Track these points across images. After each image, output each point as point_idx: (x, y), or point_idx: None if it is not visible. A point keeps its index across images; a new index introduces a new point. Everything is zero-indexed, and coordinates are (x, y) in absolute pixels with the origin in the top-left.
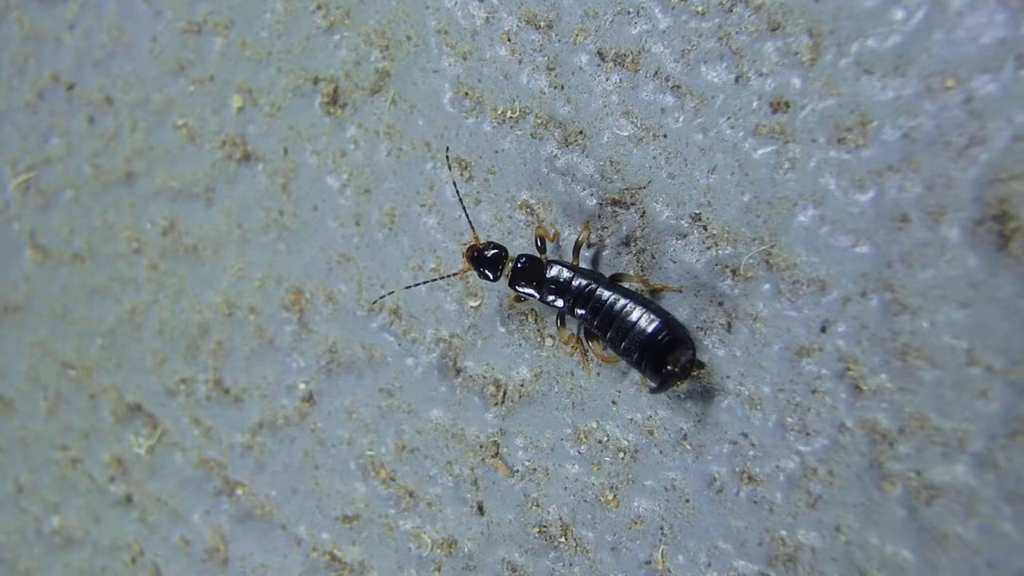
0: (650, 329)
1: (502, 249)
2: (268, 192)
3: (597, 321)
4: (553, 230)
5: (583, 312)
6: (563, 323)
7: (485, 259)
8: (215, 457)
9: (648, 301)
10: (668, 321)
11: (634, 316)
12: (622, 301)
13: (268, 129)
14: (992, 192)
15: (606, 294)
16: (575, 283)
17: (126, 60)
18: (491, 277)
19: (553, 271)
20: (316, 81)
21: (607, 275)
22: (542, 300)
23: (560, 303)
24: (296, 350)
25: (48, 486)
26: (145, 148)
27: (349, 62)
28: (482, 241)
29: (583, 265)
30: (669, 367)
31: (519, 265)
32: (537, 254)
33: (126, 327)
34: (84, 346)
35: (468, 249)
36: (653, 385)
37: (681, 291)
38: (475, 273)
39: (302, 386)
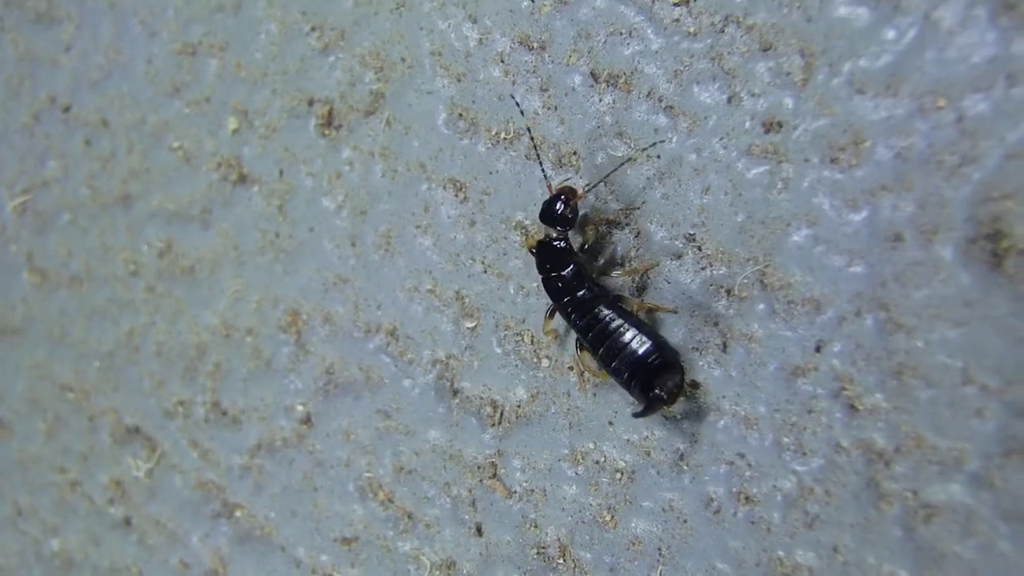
0: (641, 351)
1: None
2: (264, 214)
3: (591, 335)
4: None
5: (578, 321)
6: (552, 316)
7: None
8: (213, 479)
9: (642, 323)
10: (660, 344)
11: (627, 336)
12: (618, 320)
13: (263, 151)
14: (985, 211)
15: (605, 311)
16: (581, 291)
17: (122, 82)
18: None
19: (571, 269)
20: (311, 103)
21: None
22: (546, 286)
23: (561, 298)
24: (293, 371)
25: (47, 509)
26: (141, 170)
27: (344, 84)
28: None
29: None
30: (656, 391)
31: (551, 242)
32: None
33: (124, 349)
34: (82, 368)
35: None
36: (638, 409)
37: (676, 311)
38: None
39: (300, 408)
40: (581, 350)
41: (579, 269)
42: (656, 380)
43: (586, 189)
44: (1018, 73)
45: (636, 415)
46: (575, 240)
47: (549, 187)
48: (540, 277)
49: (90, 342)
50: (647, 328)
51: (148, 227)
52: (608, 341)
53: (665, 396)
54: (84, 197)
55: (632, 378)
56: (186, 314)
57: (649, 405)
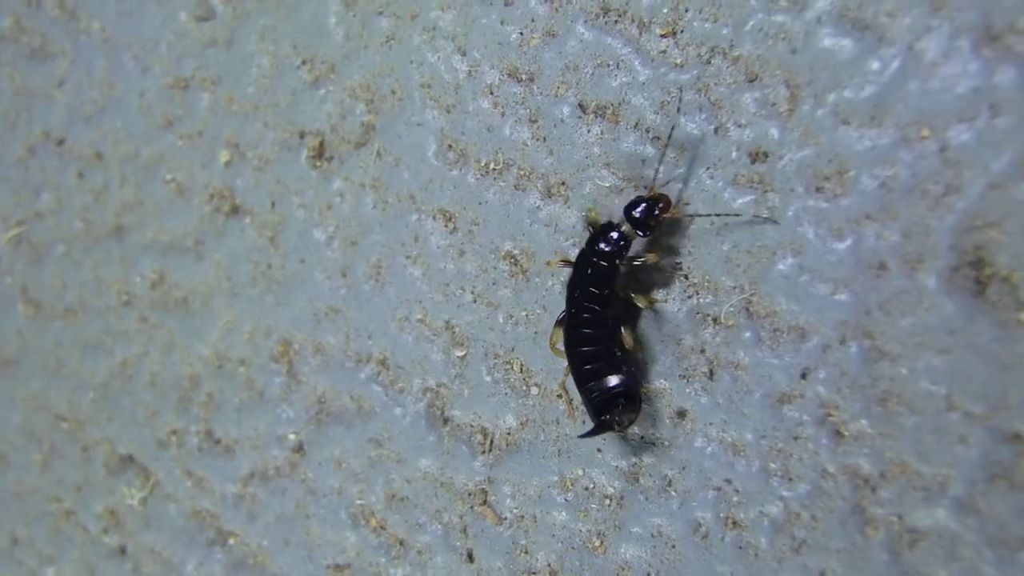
0: (611, 380)
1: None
2: (256, 245)
3: (576, 335)
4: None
5: (575, 317)
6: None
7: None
8: (207, 508)
9: (623, 349)
10: (629, 377)
11: (604, 357)
12: (605, 337)
13: (256, 183)
14: (968, 239)
15: (600, 321)
16: (601, 291)
17: (115, 115)
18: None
19: (610, 267)
20: (302, 135)
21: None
22: (578, 263)
23: (580, 287)
24: (286, 401)
25: (43, 538)
26: (135, 202)
27: (335, 116)
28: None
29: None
30: (610, 418)
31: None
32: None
33: (118, 380)
34: (77, 399)
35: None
36: (586, 431)
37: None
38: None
39: (292, 436)
40: (557, 328)
41: (614, 271)
42: (613, 409)
43: (683, 212)
44: (1001, 103)
45: (581, 436)
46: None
47: (652, 187)
48: (580, 251)
49: (84, 373)
50: (625, 356)
51: (141, 259)
52: (587, 350)
53: (615, 426)
54: (78, 229)
55: (592, 395)
56: (179, 345)
57: (597, 427)
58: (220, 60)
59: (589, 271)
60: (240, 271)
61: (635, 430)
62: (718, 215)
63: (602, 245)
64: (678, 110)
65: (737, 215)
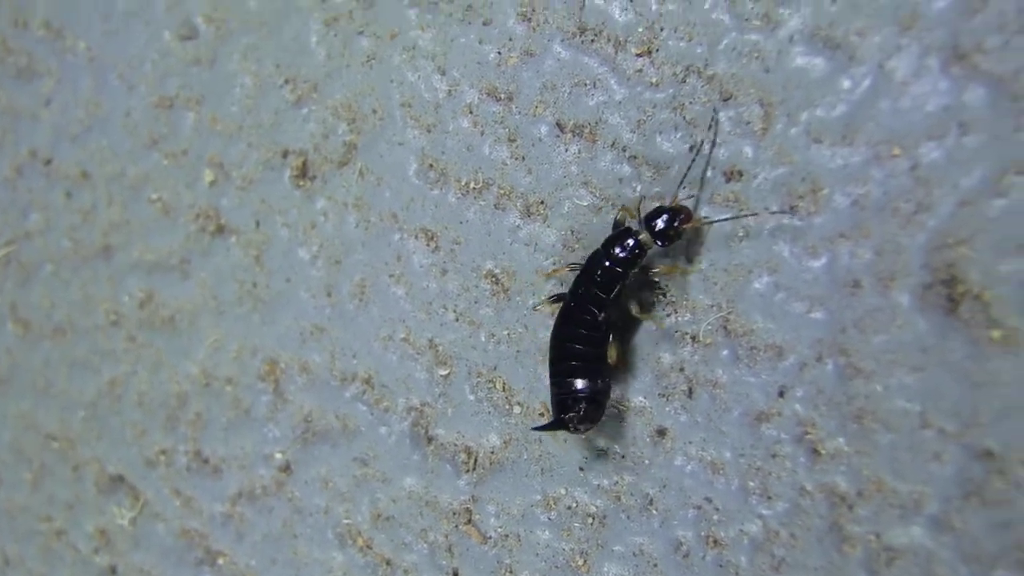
0: (580, 382)
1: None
2: (242, 264)
3: (565, 327)
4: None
5: (571, 307)
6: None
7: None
8: (196, 527)
9: (605, 357)
10: (600, 385)
11: (584, 358)
12: (593, 338)
13: (240, 202)
14: (940, 257)
15: (593, 323)
16: (607, 292)
17: (101, 135)
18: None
19: (621, 271)
20: (285, 154)
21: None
22: (591, 260)
23: (586, 282)
24: (272, 420)
25: (34, 558)
26: (121, 222)
27: (317, 135)
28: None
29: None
30: (567, 418)
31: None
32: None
33: (106, 399)
34: (66, 418)
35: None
36: (543, 422)
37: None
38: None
39: (279, 456)
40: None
41: (623, 278)
42: (574, 411)
43: (703, 222)
44: (970, 122)
45: (534, 427)
46: (650, 258)
47: (674, 198)
48: (596, 248)
49: (73, 392)
50: (604, 366)
51: (129, 278)
52: (571, 348)
53: (571, 428)
54: (66, 249)
55: (558, 391)
56: (167, 364)
57: (552, 424)
58: (204, 79)
59: (599, 273)
60: (226, 290)
61: (616, 448)
62: (735, 217)
63: (617, 250)
64: (710, 127)
65: (754, 214)
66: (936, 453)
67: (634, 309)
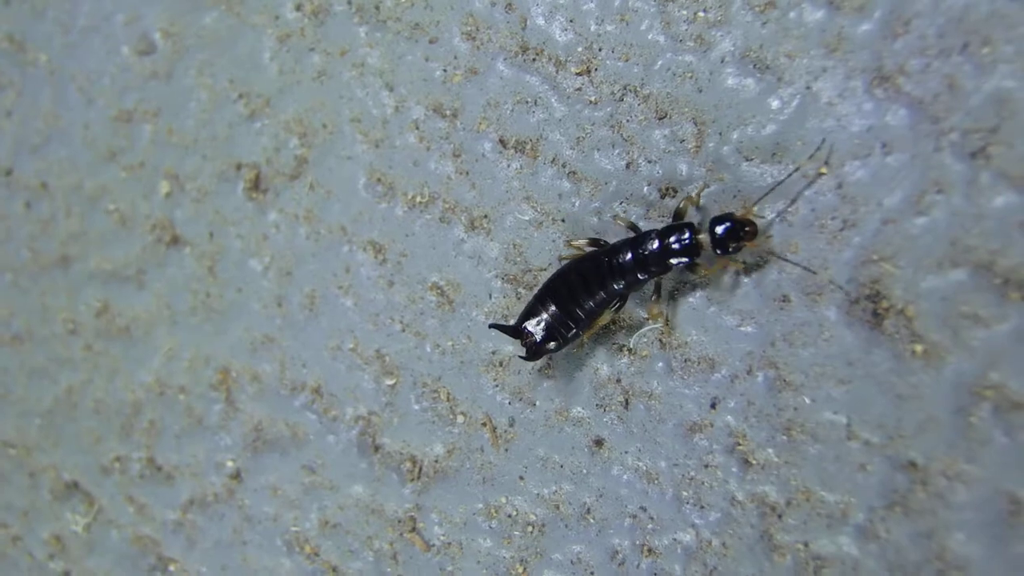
0: (552, 317)
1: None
2: (195, 275)
3: (583, 270)
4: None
5: (602, 254)
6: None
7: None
8: (149, 534)
9: (591, 319)
10: (565, 332)
11: (577, 303)
12: (596, 288)
13: (195, 214)
14: (865, 273)
15: (601, 292)
16: (632, 272)
17: (60, 146)
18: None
19: (658, 260)
20: (239, 167)
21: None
22: (637, 238)
23: (624, 251)
24: (224, 428)
25: None
26: (80, 232)
27: (270, 149)
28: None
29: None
30: (524, 329)
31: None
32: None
33: (63, 406)
34: (23, 425)
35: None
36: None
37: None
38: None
39: (230, 463)
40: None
41: (663, 268)
42: (534, 329)
43: (764, 250)
44: (893, 141)
45: (491, 325)
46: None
47: (748, 209)
48: (651, 229)
49: (31, 400)
50: (585, 322)
51: (86, 287)
52: (576, 290)
53: (522, 340)
54: (25, 259)
55: (535, 303)
56: (122, 372)
57: (511, 328)
58: (161, 93)
59: (645, 253)
60: (180, 300)
61: (555, 457)
62: (794, 264)
63: (672, 240)
64: (818, 149)
65: (813, 272)
66: (862, 464)
67: (652, 309)
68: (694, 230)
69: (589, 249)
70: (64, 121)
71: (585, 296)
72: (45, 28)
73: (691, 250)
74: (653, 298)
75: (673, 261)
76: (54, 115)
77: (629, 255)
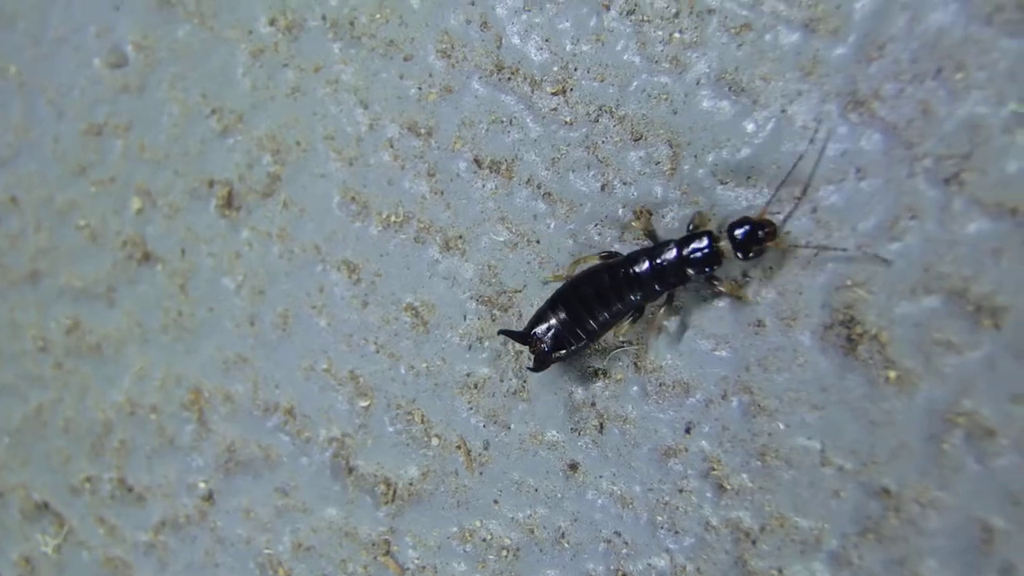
0: (561, 324)
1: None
2: (167, 292)
3: (602, 281)
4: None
5: (620, 264)
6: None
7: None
8: (120, 555)
9: (603, 330)
10: (574, 341)
11: (592, 313)
12: (611, 299)
13: (166, 230)
14: (839, 298)
15: (617, 300)
16: (647, 284)
17: (30, 160)
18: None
19: (674, 271)
20: (211, 184)
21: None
22: (655, 247)
23: (641, 259)
24: (196, 449)
25: None
26: (49, 247)
27: (243, 165)
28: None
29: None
30: (535, 334)
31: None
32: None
33: (32, 425)
34: None
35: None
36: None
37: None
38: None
39: (202, 485)
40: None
41: (682, 279)
42: (544, 334)
43: (786, 244)
44: (867, 166)
45: (501, 331)
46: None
47: (762, 211)
48: (669, 240)
49: None
50: (594, 331)
51: (56, 304)
52: (593, 293)
53: (532, 345)
54: None
55: (546, 309)
56: (93, 391)
57: (520, 333)
58: (132, 107)
59: (663, 264)
60: (151, 318)
61: (529, 481)
62: (820, 247)
63: (691, 249)
64: (811, 141)
65: (843, 250)
66: (835, 490)
67: (660, 317)
68: (713, 238)
69: (601, 260)
70: (34, 134)
71: (600, 307)
72: (15, 39)
73: (711, 258)
74: (663, 310)
75: (693, 271)
76: (23, 128)
77: (647, 265)
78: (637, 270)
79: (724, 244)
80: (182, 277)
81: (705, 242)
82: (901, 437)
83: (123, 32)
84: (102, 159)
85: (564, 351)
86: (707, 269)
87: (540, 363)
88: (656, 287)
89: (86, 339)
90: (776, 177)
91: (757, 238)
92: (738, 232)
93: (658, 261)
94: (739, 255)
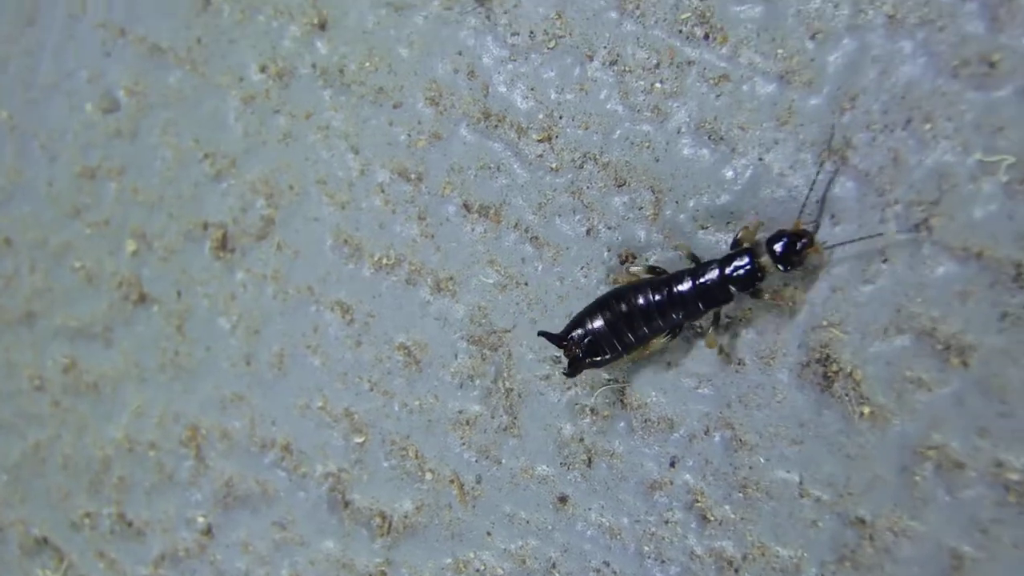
0: (599, 332)
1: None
2: (164, 333)
3: (648, 289)
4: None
5: (665, 281)
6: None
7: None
8: None
9: (642, 343)
10: (610, 352)
11: (634, 325)
12: (654, 314)
13: (162, 272)
14: (816, 338)
15: (660, 317)
16: (689, 302)
17: (24, 202)
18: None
19: (716, 290)
20: (206, 227)
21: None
22: (697, 268)
23: (685, 280)
24: (194, 484)
25: None
26: (44, 288)
27: (236, 209)
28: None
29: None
30: (572, 337)
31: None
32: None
33: (31, 462)
34: None
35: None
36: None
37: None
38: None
39: (201, 519)
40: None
41: (726, 297)
42: (580, 339)
43: (825, 247)
44: (840, 212)
45: (540, 333)
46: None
47: (796, 222)
48: (711, 260)
49: None
50: (634, 344)
51: (52, 344)
52: (635, 306)
53: (567, 349)
54: None
55: (584, 315)
56: (91, 428)
57: (558, 336)
58: (125, 151)
59: (707, 284)
60: (148, 358)
61: (521, 513)
62: (858, 239)
63: (733, 268)
64: (821, 163)
65: (879, 234)
66: (813, 520)
67: (708, 340)
68: (754, 255)
69: (646, 276)
70: (27, 176)
71: (640, 322)
72: (6, 83)
73: (753, 275)
74: (711, 330)
75: (736, 288)
76: (16, 170)
77: (689, 284)
78: (681, 289)
79: (765, 260)
80: (178, 318)
81: (746, 259)
82: (875, 470)
83: (115, 77)
84: (96, 202)
85: (599, 359)
86: (751, 285)
87: (573, 368)
88: (700, 306)
89: (83, 378)
90: (754, 222)
91: (796, 249)
92: (777, 246)
93: (701, 280)
94: (780, 267)
